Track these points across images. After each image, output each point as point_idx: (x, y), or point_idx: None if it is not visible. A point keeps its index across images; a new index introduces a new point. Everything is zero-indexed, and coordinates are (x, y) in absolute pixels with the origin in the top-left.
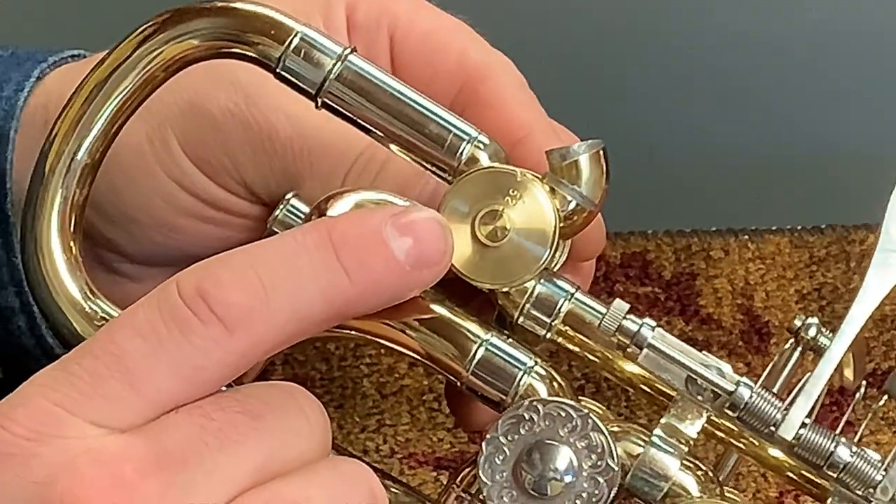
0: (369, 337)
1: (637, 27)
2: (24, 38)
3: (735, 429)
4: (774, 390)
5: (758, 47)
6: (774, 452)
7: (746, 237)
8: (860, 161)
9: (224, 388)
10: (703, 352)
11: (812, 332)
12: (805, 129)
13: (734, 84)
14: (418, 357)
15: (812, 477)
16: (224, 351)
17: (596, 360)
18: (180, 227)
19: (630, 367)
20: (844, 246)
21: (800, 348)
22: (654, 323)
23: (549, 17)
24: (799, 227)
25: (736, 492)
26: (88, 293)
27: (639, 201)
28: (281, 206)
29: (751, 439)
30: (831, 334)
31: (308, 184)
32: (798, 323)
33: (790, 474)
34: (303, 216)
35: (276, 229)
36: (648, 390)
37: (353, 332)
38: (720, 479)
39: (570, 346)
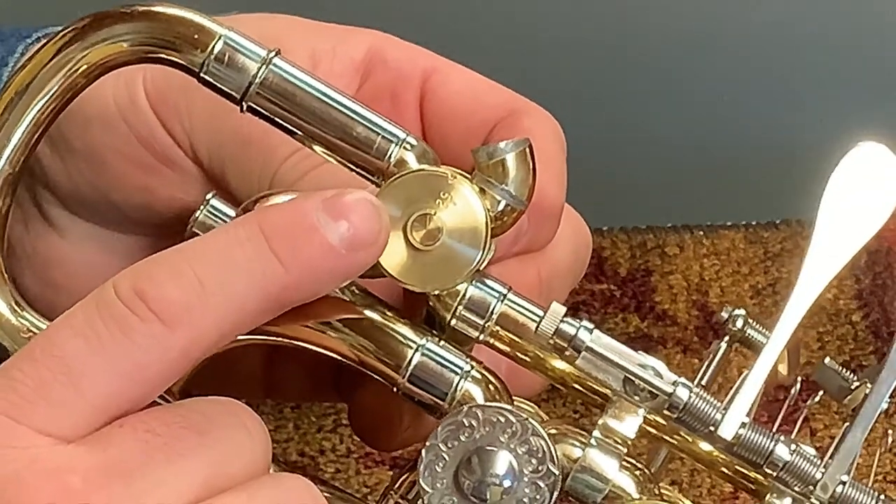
0: (295, 342)
1: (590, 26)
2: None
3: (666, 425)
4: (703, 383)
5: (711, 45)
6: (706, 447)
7: (701, 233)
8: (814, 156)
9: (164, 402)
10: (640, 351)
11: (739, 323)
12: (758, 125)
13: (687, 81)
14: (351, 362)
15: (747, 472)
16: (165, 348)
17: (527, 359)
18: (110, 162)
19: (561, 365)
20: (799, 241)
21: (727, 339)
22: (591, 325)
23: (509, 23)
24: (753, 223)
25: (670, 489)
26: (15, 306)
27: (593, 199)
28: (201, 208)
29: (684, 435)
30: (760, 326)
31: (238, 170)
32: (725, 315)
33: (724, 470)
34: (223, 217)
35: (196, 231)
36: (581, 389)
37: (278, 339)
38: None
39: (501, 346)
